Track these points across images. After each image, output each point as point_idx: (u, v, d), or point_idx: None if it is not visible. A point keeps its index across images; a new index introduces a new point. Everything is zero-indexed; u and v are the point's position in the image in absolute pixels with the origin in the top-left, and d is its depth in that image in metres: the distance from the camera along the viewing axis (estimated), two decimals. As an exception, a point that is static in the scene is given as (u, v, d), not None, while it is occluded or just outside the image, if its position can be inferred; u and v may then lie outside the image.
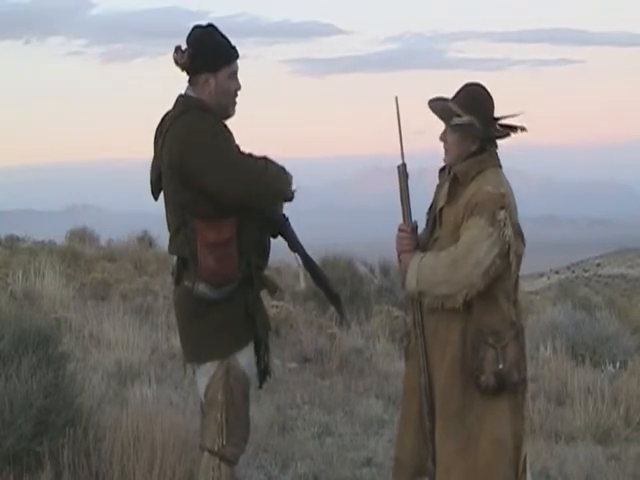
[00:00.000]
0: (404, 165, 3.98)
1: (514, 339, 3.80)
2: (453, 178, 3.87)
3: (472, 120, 3.81)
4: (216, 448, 3.92)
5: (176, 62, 3.92)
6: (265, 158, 3.94)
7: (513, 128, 3.89)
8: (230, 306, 3.91)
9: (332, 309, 11.99)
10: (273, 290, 4.17)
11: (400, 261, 3.97)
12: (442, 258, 3.78)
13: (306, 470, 5.81)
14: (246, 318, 3.94)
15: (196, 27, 3.98)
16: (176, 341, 9.18)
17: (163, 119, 4.00)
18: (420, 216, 4.07)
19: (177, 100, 3.99)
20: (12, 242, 17.36)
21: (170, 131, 3.90)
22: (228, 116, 4.02)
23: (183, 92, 4.00)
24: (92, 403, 5.34)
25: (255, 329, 3.98)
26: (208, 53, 3.92)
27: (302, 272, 4.18)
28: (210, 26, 3.98)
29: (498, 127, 3.88)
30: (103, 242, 18.05)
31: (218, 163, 3.82)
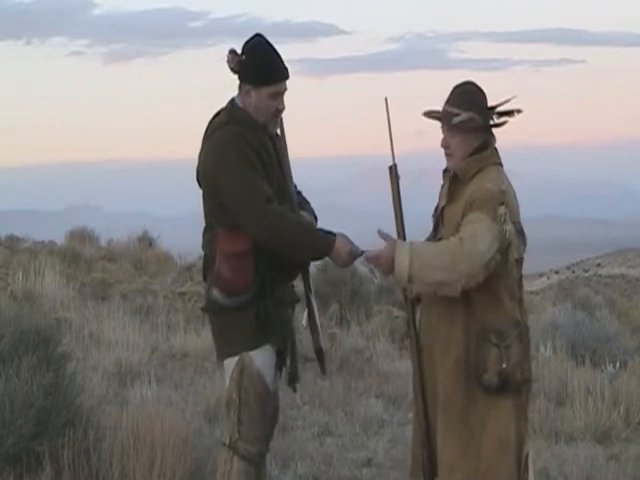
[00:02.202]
0: (395, 166, 3.99)
1: (517, 338, 3.79)
2: (453, 176, 3.89)
3: (471, 115, 3.85)
4: (229, 442, 4.02)
5: (228, 64, 3.99)
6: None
7: (510, 113, 3.92)
8: (242, 311, 3.98)
9: (333, 309, 11.99)
10: (293, 302, 4.25)
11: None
12: (444, 245, 3.75)
13: (306, 470, 5.81)
14: (259, 322, 3.99)
15: (257, 35, 4.04)
16: (176, 341, 9.22)
17: (214, 118, 4.03)
18: (413, 217, 4.09)
19: (227, 104, 4.04)
20: (12, 242, 17.36)
21: (211, 140, 3.96)
22: (269, 130, 4.06)
23: (236, 94, 4.05)
24: (92, 403, 5.34)
25: (270, 334, 4.02)
26: (254, 68, 3.96)
27: (307, 311, 4.26)
28: (266, 42, 4.02)
29: (495, 115, 3.91)
30: (103, 242, 18.03)
31: (244, 204, 3.87)
